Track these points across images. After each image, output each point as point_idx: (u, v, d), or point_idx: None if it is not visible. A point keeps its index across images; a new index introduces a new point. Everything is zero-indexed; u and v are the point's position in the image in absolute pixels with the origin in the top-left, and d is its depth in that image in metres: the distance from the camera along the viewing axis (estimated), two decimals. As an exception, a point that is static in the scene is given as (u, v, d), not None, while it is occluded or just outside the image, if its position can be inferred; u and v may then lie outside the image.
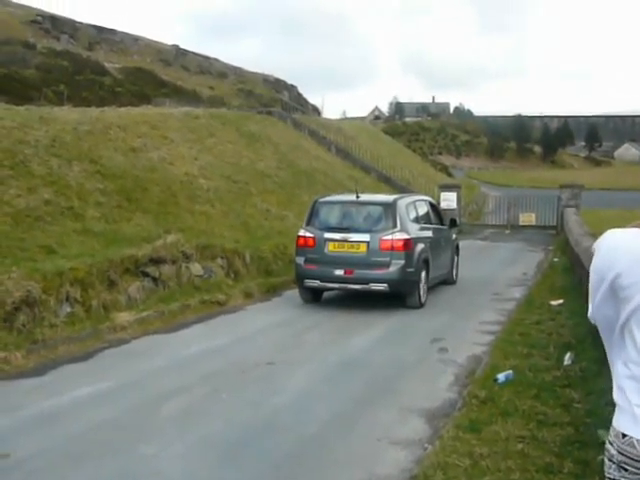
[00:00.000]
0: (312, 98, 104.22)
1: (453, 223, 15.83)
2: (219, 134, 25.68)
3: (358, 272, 12.15)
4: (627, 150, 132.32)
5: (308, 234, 12.64)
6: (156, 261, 12.14)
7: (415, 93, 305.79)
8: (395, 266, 12.08)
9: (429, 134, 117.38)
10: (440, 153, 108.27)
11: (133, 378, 8.15)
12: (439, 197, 29.68)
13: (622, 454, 2.46)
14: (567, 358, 8.26)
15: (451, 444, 5.65)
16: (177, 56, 66.74)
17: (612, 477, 2.52)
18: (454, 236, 15.96)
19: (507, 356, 8.55)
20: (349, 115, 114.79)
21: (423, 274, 12.76)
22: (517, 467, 5.24)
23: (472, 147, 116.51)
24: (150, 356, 9.17)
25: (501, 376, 7.53)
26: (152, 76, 51.77)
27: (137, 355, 9.25)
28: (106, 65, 48.44)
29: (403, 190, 29.34)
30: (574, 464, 5.26)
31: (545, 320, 10.81)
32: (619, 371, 2.54)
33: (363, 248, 12.18)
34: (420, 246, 12.69)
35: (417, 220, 13.35)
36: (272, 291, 14.07)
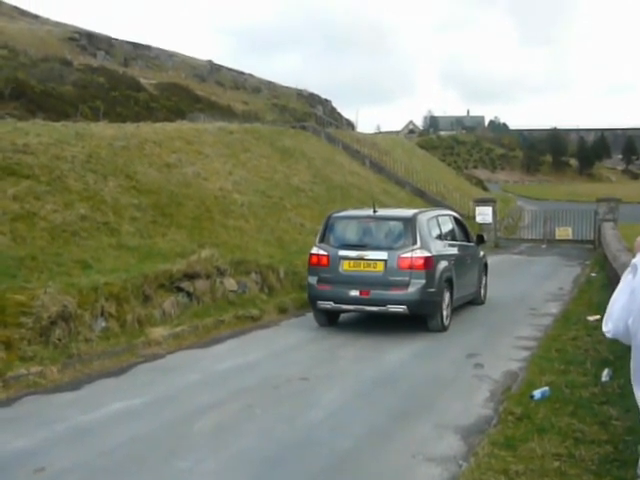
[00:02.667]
0: (346, 112, 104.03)
1: (480, 240, 14.89)
2: (253, 149, 25.79)
3: (375, 293, 11.32)
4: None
5: (321, 252, 11.82)
6: (190, 276, 12.20)
7: (449, 106, 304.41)
8: (415, 286, 11.21)
9: (464, 148, 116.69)
10: (475, 167, 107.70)
11: (167, 393, 8.18)
12: (474, 211, 29.52)
13: None
14: (605, 374, 8.15)
15: (486, 461, 5.59)
16: (211, 71, 67.33)
17: None
18: (482, 253, 15.04)
19: (543, 372, 8.45)
20: (383, 129, 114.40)
21: (446, 295, 11.88)
22: (554, 485, 5.17)
23: (507, 161, 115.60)
24: (184, 371, 9.20)
25: (537, 392, 7.44)
26: (187, 91, 52.17)
27: (171, 370, 9.29)
28: (141, 81, 48.93)
29: (437, 204, 29.15)
30: (613, 483, 5.17)
31: (582, 336, 10.66)
32: None
33: (380, 267, 11.34)
34: (443, 264, 11.82)
35: (440, 236, 12.47)
36: (306, 306, 13.97)
